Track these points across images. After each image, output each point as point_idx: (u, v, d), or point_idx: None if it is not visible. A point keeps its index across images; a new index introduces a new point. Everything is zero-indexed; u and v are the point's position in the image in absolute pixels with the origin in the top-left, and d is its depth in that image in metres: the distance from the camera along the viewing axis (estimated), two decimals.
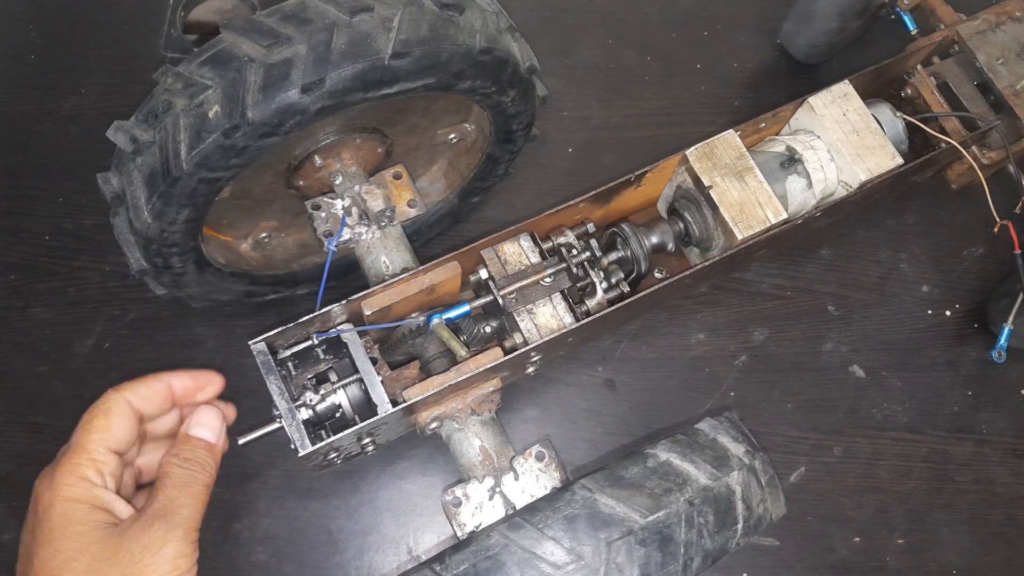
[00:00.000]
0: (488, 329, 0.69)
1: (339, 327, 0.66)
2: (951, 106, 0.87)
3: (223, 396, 0.61)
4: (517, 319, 0.68)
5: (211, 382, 0.59)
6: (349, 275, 0.83)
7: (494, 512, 0.64)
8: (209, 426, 0.56)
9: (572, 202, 0.72)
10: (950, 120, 0.86)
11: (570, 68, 1.03)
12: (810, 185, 0.77)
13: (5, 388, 0.84)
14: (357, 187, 0.72)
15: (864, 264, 0.95)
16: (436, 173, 0.86)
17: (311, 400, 0.63)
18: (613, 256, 0.75)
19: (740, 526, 0.58)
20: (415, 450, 0.83)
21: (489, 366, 0.65)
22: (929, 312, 0.94)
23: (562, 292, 0.69)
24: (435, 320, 0.66)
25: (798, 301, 0.93)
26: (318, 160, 0.71)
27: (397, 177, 0.76)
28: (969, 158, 0.83)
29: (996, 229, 0.83)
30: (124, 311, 0.87)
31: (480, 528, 0.63)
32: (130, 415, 0.55)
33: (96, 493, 0.51)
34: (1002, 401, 0.90)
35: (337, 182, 0.72)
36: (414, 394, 0.63)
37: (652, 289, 0.71)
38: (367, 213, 0.72)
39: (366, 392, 0.64)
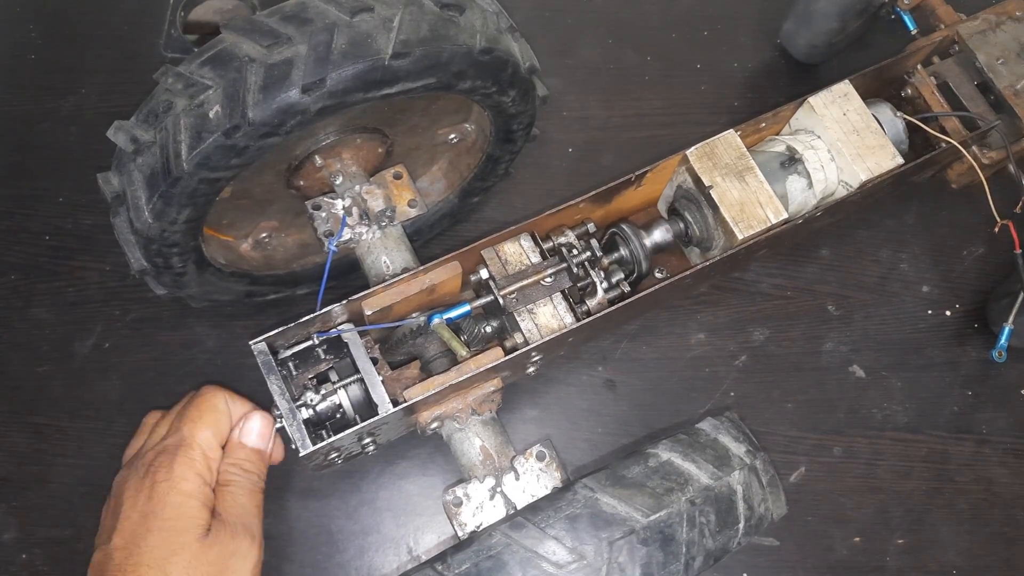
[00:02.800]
0: (489, 329, 0.69)
1: (340, 327, 0.66)
2: (951, 106, 0.87)
3: None
4: (518, 319, 0.68)
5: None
6: (349, 275, 0.82)
7: (495, 512, 0.64)
8: (259, 434, 0.61)
9: (572, 202, 0.72)
10: (950, 120, 0.86)
11: (570, 68, 1.03)
12: (810, 185, 0.77)
13: (5, 388, 0.84)
14: (357, 187, 0.72)
15: (864, 264, 0.95)
16: (436, 173, 0.86)
17: (312, 400, 0.63)
18: (614, 256, 0.75)
19: (741, 525, 0.58)
20: (416, 450, 0.83)
21: (490, 366, 0.65)
22: (929, 312, 0.94)
23: (563, 292, 0.69)
24: (436, 320, 0.66)
25: (798, 301, 0.93)
26: (318, 160, 0.71)
27: (397, 177, 0.76)
28: (969, 158, 0.83)
29: (996, 229, 0.83)
30: (124, 311, 0.87)
31: (481, 528, 0.63)
32: (228, 413, 0.60)
33: (207, 492, 0.56)
34: (1002, 401, 0.90)
35: (337, 182, 0.72)
36: (415, 394, 0.63)
37: (652, 289, 0.71)
38: (367, 213, 0.72)
39: (367, 392, 0.64)
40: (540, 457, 0.66)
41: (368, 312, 0.66)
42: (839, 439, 0.87)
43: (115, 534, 0.54)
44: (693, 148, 0.74)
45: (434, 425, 0.68)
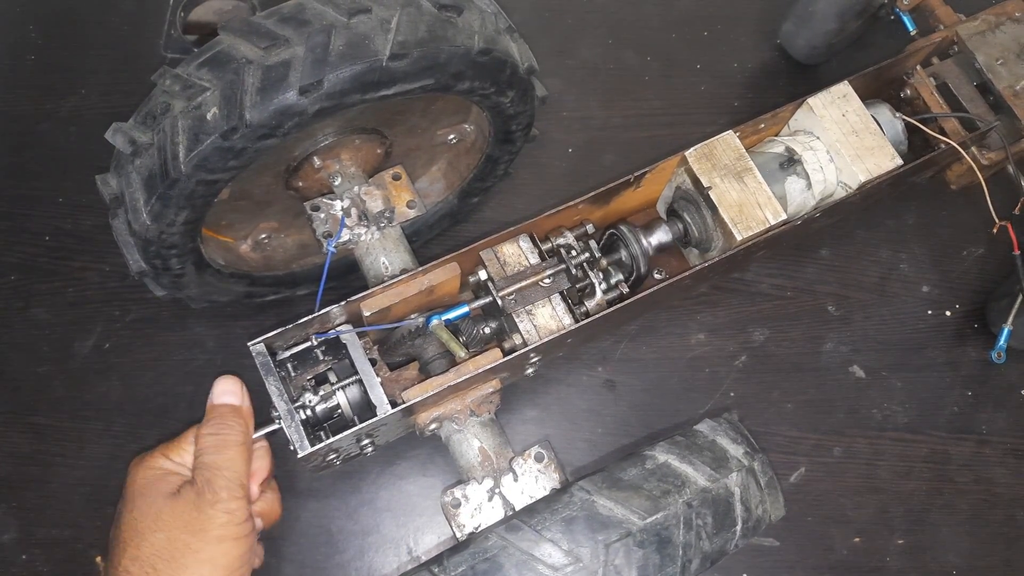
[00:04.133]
0: (487, 330, 0.69)
1: (338, 328, 0.66)
2: (950, 107, 0.86)
3: None
4: (516, 320, 0.68)
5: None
6: (348, 276, 0.82)
7: (493, 513, 0.64)
8: (230, 392, 0.62)
9: (572, 203, 0.72)
10: (949, 121, 0.86)
11: (570, 68, 1.03)
12: (809, 186, 0.77)
13: (5, 388, 0.84)
14: (356, 188, 0.72)
15: (864, 264, 0.95)
16: (435, 174, 0.86)
17: (310, 401, 0.63)
18: (612, 257, 0.75)
19: (739, 528, 0.58)
20: (415, 451, 0.83)
21: (488, 367, 0.65)
22: (929, 312, 0.94)
23: (561, 293, 0.69)
24: (434, 321, 0.66)
25: (798, 301, 0.93)
26: (317, 161, 0.71)
27: (396, 178, 0.76)
28: (968, 159, 0.83)
29: (995, 230, 0.83)
30: (124, 311, 0.87)
31: (479, 529, 0.63)
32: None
33: (167, 466, 0.59)
34: (1002, 401, 0.90)
35: (336, 183, 0.72)
36: (413, 395, 0.63)
37: (652, 290, 0.71)
38: (366, 214, 0.72)
39: (365, 393, 0.64)
40: (539, 458, 0.66)
41: (367, 313, 0.66)
42: (839, 439, 0.87)
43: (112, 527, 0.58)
44: (692, 149, 0.74)
45: (433, 426, 0.68)
